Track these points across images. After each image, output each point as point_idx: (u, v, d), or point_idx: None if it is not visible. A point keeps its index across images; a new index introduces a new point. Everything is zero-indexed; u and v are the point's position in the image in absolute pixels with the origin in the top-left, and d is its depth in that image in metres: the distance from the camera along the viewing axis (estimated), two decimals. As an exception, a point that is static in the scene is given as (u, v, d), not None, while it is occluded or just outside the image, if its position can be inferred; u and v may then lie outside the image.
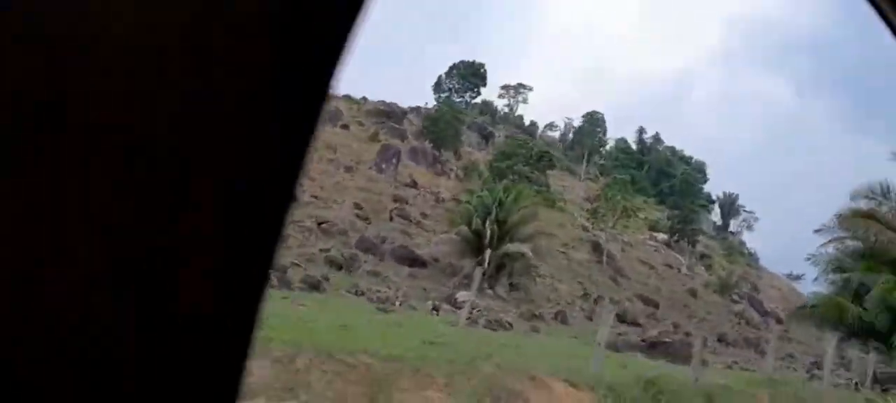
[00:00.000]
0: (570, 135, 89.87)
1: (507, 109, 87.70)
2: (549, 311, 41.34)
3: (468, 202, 42.01)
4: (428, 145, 59.66)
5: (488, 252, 39.16)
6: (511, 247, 39.37)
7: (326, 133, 55.36)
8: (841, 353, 31.85)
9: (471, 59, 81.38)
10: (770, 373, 17.73)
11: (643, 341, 32.23)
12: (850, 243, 25.88)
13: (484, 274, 39.55)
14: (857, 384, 26.37)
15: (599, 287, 50.76)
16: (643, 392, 11.42)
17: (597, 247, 55.93)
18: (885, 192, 24.50)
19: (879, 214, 24.53)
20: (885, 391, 25.39)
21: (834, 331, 25.18)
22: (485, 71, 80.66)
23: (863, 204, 24.85)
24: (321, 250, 37.05)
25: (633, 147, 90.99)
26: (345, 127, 57.92)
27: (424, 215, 46.73)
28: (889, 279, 22.89)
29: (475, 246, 39.79)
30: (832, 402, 16.90)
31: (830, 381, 22.46)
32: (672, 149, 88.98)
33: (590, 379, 11.65)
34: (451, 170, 59.24)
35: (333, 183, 45.76)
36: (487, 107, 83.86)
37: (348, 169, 49.27)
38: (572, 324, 40.84)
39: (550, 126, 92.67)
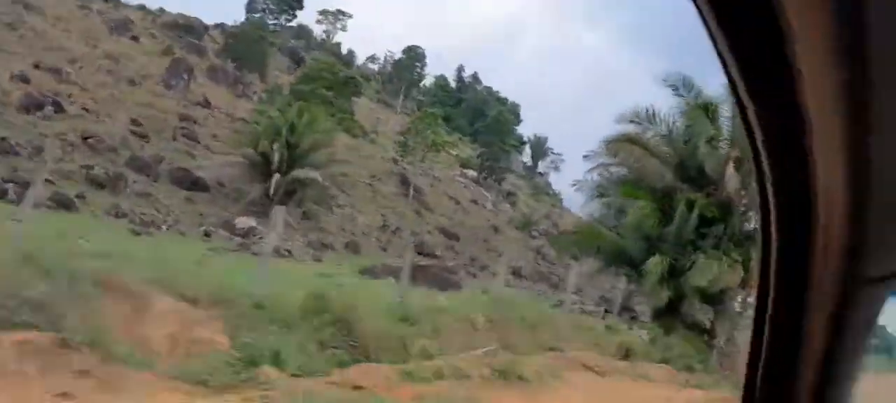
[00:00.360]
0: (390, 69, 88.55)
1: (325, 36, 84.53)
2: (341, 241, 40.28)
3: (256, 123, 39.49)
4: (230, 65, 55.72)
5: (276, 177, 37.18)
6: (300, 173, 37.58)
7: (110, 43, 49.91)
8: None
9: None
10: (501, 296, 17.64)
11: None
12: (614, 169, 24.87)
13: (271, 200, 37.68)
14: (606, 311, 26.91)
15: (402, 219, 50.50)
16: (301, 309, 10.52)
17: (405, 181, 55.65)
18: (651, 117, 23.45)
19: (643, 139, 23.57)
20: (633, 319, 26.10)
21: (592, 258, 24.74)
22: (302, -8, 76.77)
23: (630, 129, 23.63)
24: (83, 166, 33.31)
25: (453, 85, 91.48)
26: (134, 38, 52.48)
27: (215, 137, 43.53)
28: (645, 205, 22.05)
29: (263, 170, 37.61)
30: (562, 326, 17.02)
31: (572, 309, 22.82)
32: (489, 89, 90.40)
33: (236, 297, 10.51)
34: (255, 92, 55.86)
35: (109, 95, 41.06)
36: (303, 31, 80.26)
37: (131, 82, 44.54)
38: (365, 254, 40.23)
39: (372, 58, 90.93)
